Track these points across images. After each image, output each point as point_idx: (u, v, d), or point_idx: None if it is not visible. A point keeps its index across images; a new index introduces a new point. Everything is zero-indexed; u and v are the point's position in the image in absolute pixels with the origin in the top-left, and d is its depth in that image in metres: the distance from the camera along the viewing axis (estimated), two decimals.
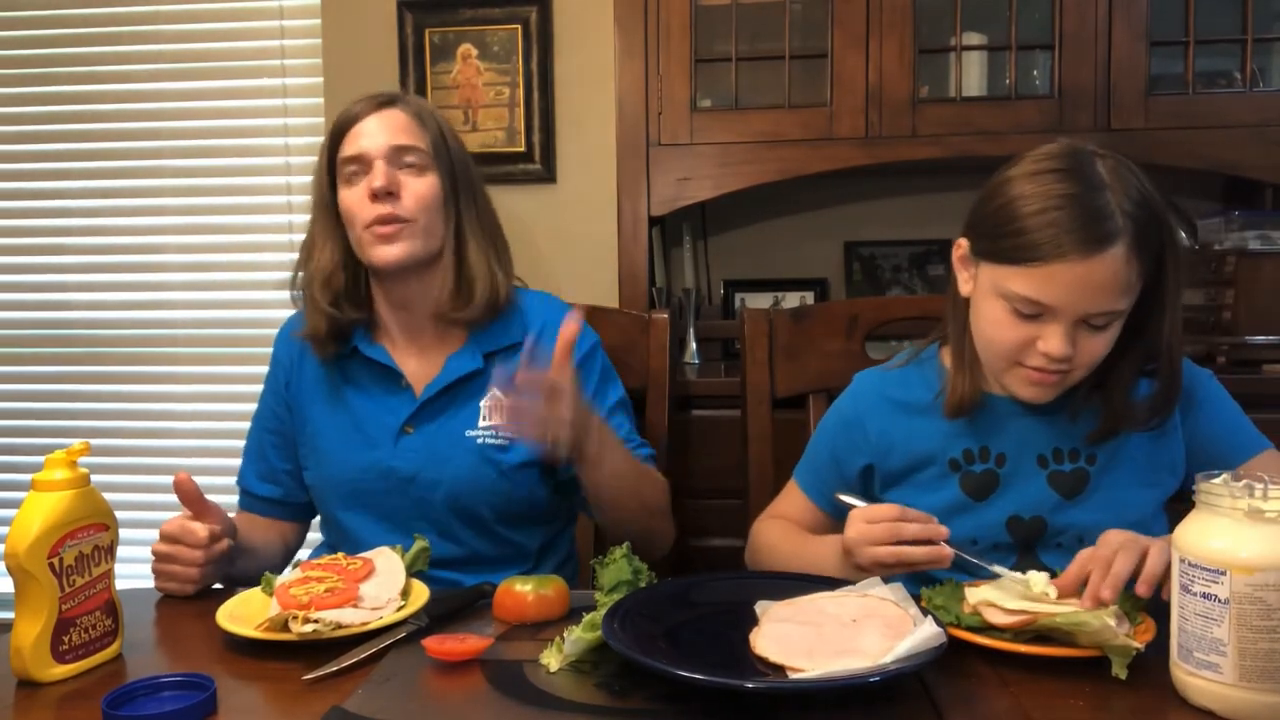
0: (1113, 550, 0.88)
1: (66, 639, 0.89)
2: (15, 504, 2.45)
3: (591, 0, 2.04)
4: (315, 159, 2.14)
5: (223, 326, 2.32)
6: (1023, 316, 1.01)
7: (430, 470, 1.26)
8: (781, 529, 1.22)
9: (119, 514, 0.95)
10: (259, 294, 2.29)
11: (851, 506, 1.02)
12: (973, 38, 1.88)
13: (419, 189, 1.25)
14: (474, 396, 1.29)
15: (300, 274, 1.33)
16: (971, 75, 1.88)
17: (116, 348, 2.36)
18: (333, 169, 1.28)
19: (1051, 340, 1.00)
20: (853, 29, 1.82)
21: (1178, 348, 1.07)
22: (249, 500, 1.36)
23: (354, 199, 1.25)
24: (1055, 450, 1.11)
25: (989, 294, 1.04)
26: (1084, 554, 0.90)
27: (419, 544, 1.10)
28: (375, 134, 1.25)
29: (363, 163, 1.24)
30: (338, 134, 1.28)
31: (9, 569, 0.87)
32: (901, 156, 1.84)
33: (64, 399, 2.39)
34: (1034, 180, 1.00)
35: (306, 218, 2.25)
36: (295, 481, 1.36)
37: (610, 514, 1.26)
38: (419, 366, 1.31)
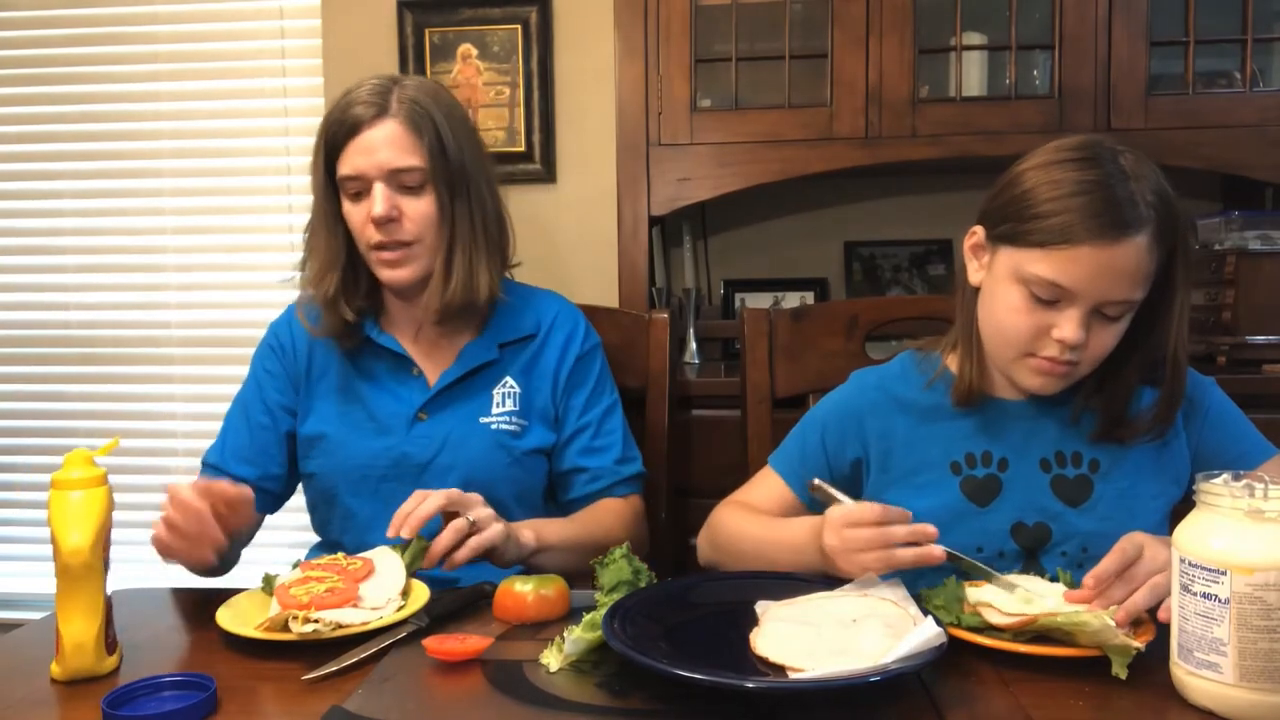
0: (1144, 573, 0.87)
1: (109, 629, 0.90)
2: (13, 504, 2.42)
3: (591, 0, 2.04)
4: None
5: (222, 327, 2.32)
6: (1040, 302, 1.01)
7: (445, 455, 1.29)
8: (746, 512, 1.19)
9: (116, 515, 0.95)
10: (259, 294, 2.29)
11: (830, 497, 1.00)
12: (973, 38, 1.88)
13: (418, 210, 1.26)
14: (487, 385, 1.33)
15: (304, 272, 1.34)
16: (971, 75, 1.88)
17: (115, 348, 2.35)
18: (329, 168, 1.28)
19: (1067, 326, 1.00)
20: (853, 29, 1.82)
21: (1184, 351, 1.06)
22: (220, 476, 1.30)
23: (357, 218, 1.27)
24: (1058, 453, 1.10)
25: (1006, 279, 1.04)
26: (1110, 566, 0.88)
27: (417, 543, 1.10)
28: (372, 153, 1.24)
29: (362, 182, 1.25)
30: (334, 143, 1.26)
31: (70, 566, 0.87)
32: (901, 156, 1.83)
33: (61, 399, 2.38)
34: (1061, 167, 1.01)
35: (306, 219, 2.26)
36: (275, 479, 1.34)
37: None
38: (431, 355, 1.34)
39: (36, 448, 2.38)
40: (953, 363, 1.17)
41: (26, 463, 2.39)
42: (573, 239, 2.10)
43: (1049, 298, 1.01)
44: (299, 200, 2.25)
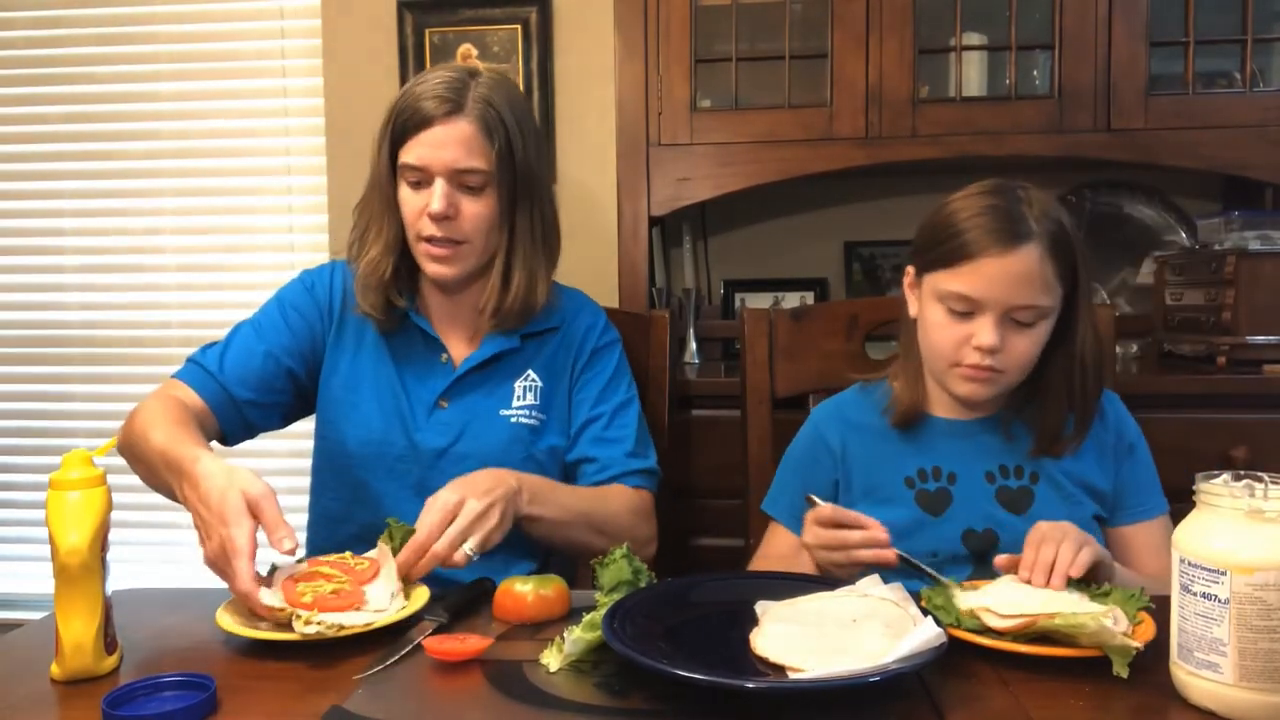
0: (1054, 545, 0.97)
1: (109, 629, 0.90)
2: (13, 504, 2.42)
3: (591, 0, 2.04)
4: (316, 159, 2.13)
5: (222, 328, 2.30)
6: (957, 315, 1.14)
7: (461, 445, 1.30)
8: (760, 565, 1.28)
9: (116, 515, 0.95)
10: (259, 295, 2.28)
11: (814, 504, 1.08)
12: (973, 38, 1.88)
13: (476, 210, 1.26)
14: (509, 377, 1.34)
15: (354, 246, 1.34)
16: (971, 75, 1.88)
17: (115, 348, 2.35)
18: (393, 153, 1.27)
19: (982, 333, 1.12)
20: (853, 29, 1.82)
21: (1091, 359, 1.17)
22: (212, 386, 1.30)
23: (413, 207, 1.27)
24: (1001, 467, 1.21)
25: (930, 301, 1.18)
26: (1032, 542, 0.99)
27: (406, 531, 1.10)
28: (439, 149, 1.23)
29: (424, 174, 1.25)
30: (403, 131, 1.25)
31: (68, 567, 0.87)
32: (901, 156, 1.83)
33: (61, 399, 2.38)
34: (965, 200, 1.17)
35: (306, 219, 2.26)
36: (263, 409, 1.33)
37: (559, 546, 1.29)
38: (457, 343, 1.35)
39: (36, 448, 2.39)
40: (899, 389, 1.26)
41: (26, 463, 2.39)
42: (572, 239, 2.08)
43: (963, 309, 1.13)
44: (299, 200, 2.25)
